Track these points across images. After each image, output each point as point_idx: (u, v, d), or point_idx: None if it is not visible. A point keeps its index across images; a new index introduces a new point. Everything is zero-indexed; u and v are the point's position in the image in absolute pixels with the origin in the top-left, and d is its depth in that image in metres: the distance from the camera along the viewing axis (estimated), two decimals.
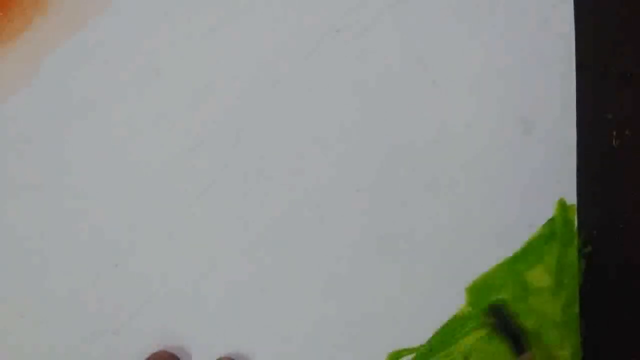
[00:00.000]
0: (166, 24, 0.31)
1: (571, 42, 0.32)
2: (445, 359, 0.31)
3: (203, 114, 0.31)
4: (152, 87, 0.31)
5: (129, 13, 0.31)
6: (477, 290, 0.31)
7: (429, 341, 0.31)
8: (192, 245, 0.31)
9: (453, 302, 0.32)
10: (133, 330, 0.31)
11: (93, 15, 0.31)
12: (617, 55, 0.32)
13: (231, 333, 0.31)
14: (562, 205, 0.32)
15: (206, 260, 0.31)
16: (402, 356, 0.31)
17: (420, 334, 0.31)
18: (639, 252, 0.32)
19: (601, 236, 0.32)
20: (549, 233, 0.32)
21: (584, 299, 0.31)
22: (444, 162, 0.32)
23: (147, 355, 0.30)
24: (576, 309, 0.31)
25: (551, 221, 0.32)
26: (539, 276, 0.31)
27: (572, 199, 0.32)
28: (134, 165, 0.31)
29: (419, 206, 0.31)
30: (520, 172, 0.32)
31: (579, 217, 0.32)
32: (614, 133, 0.32)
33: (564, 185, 0.32)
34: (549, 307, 0.31)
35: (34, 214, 0.31)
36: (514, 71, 0.32)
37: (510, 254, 0.32)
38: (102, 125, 0.31)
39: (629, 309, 0.32)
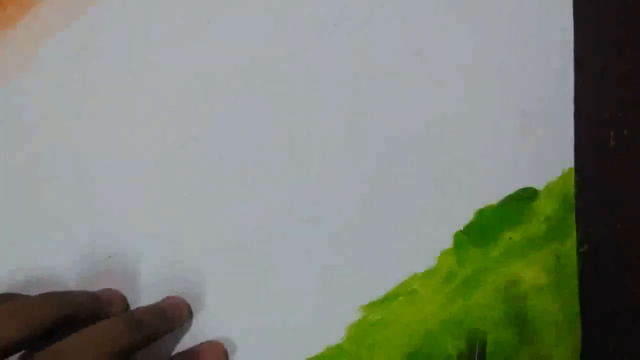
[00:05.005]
0: (162, 15, 0.31)
1: (570, 40, 0.32)
2: None
3: (199, 105, 0.31)
4: (148, 79, 0.31)
5: (123, 3, 0.31)
6: None
7: None
8: (187, 237, 0.31)
9: None
10: None
11: (88, 5, 0.31)
12: (616, 55, 0.32)
13: (227, 326, 0.31)
14: (560, 203, 0.32)
15: (202, 253, 0.31)
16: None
17: None
18: (637, 251, 0.32)
19: (599, 235, 0.32)
20: (547, 231, 0.31)
21: (582, 298, 0.31)
22: (440, 158, 0.32)
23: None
24: (576, 309, 0.31)
25: (548, 219, 0.32)
26: (537, 274, 0.31)
27: (569, 198, 0.32)
28: (129, 156, 0.31)
29: (415, 201, 0.31)
30: (517, 171, 0.32)
31: (576, 216, 0.32)
32: (612, 133, 0.32)
33: (562, 184, 0.32)
34: (548, 306, 0.31)
35: (27, 205, 0.31)
36: (512, 69, 0.32)
37: None
38: (97, 116, 0.31)
39: (627, 307, 0.31)
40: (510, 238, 0.31)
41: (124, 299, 0.30)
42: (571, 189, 0.32)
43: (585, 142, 0.32)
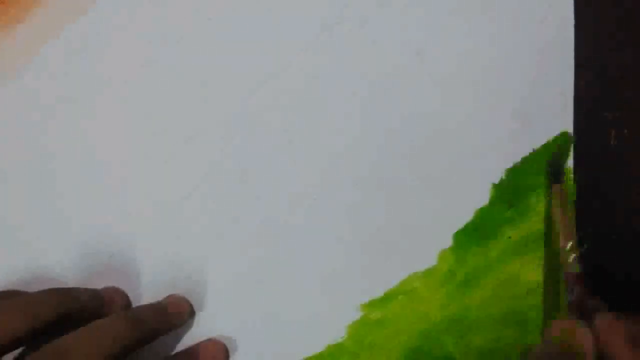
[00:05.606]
0: (162, 15, 0.31)
1: (570, 40, 0.32)
2: None
3: (200, 104, 0.31)
4: (148, 78, 0.31)
5: (124, 2, 0.31)
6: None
7: None
8: (188, 237, 0.31)
9: None
10: None
11: (88, 5, 0.31)
12: (616, 55, 0.32)
13: (228, 325, 0.31)
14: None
15: (202, 252, 0.31)
16: None
17: None
18: (637, 251, 0.32)
19: (599, 235, 0.32)
20: (545, 230, 0.32)
21: None
22: (441, 157, 0.32)
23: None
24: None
25: (547, 219, 0.32)
26: (537, 273, 0.31)
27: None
28: (130, 155, 0.31)
29: (415, 200, 0.31)
30: None
31: (576, 216, 0.32)
32: (613, 132, 0.32)
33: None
34: (547, 305, 0.31)
35: (28, 204, 0.31)
36: (512, 69, 0.32)
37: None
38: (98, 115, 0.31)
39: (627, 307, 0.31)
40: (510, 237, 0.31)
41: (125, 297, 0.30)
42: (571, 188, 0.32)
43: (585, 142, 0.32)
